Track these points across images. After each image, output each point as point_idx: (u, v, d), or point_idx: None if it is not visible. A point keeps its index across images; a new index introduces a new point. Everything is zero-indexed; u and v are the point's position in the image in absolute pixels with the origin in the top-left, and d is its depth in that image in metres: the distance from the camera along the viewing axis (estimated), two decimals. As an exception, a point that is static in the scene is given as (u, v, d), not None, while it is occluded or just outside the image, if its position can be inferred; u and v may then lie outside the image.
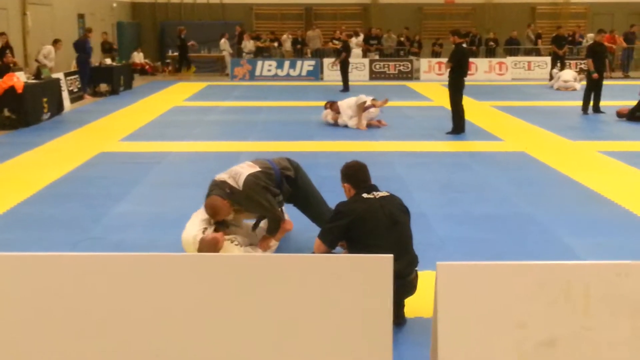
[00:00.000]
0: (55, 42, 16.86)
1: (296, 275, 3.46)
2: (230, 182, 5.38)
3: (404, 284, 4.31)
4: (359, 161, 4.88)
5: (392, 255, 3.49)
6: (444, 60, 23.68)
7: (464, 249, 5.96)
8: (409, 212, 4.64)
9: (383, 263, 3.44)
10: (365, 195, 4.52)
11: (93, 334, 3.40)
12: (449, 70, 11.97)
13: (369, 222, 4.35)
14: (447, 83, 12.33)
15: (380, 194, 4.59)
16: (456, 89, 11.92)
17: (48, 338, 3.40)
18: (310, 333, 3.45)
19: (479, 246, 6.03)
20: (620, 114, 13.89)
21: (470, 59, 24.18)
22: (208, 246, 5.11)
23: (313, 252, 4.41)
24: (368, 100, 12.61)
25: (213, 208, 5.36)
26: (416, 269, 4.51)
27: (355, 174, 4.74)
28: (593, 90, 14.50)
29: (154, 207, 7.30)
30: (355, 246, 4.34)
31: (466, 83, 12.00)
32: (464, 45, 12.44)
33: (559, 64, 21.94)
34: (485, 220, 6.81)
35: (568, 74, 20.42)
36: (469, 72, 12.48)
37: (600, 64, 14.56)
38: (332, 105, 13.02)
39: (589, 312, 3.32)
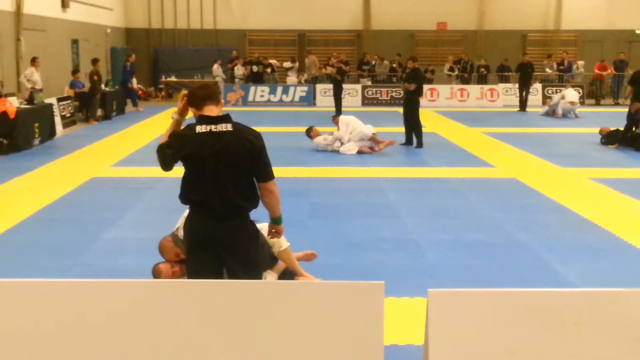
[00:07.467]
0: (33, 60, 16.70)
1: (289, 302, 3.44)
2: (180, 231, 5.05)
3: (224, 229, 4.06)
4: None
5: (383, 282, 3.49)
6: (436, 87, 24.06)
7: (455, 275, 5.96)
8: (256, 151, 4.25)
9: (375, 290, 3.44)
10: (200, 127, 4.04)
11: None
12: (407, 90, 13.75)
13: (191, 157, 4.03)
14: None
15: (224, 127, 4.08)
16: (417, 107, 13.79)
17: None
18: (302, 358, 3.42)
19: (470, 273, 6.04)
20: (602, 133, 14.20)
21: (462, 86, 24.67)
22: (155, 272, 5.14)
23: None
24: (371, 132, 12.92)
25: (159, 247, 5.24)
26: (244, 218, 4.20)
27: (194, 92, 4.16)
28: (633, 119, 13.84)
29: (146, 232, 7.27)
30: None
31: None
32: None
33: (524, 93, 21.59)
34: (477, 247, 6.82)
35: (573, 95, 19.92)
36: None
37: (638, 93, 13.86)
38: (311, 130, 13.37)
39: (581, 340, 3.31)
